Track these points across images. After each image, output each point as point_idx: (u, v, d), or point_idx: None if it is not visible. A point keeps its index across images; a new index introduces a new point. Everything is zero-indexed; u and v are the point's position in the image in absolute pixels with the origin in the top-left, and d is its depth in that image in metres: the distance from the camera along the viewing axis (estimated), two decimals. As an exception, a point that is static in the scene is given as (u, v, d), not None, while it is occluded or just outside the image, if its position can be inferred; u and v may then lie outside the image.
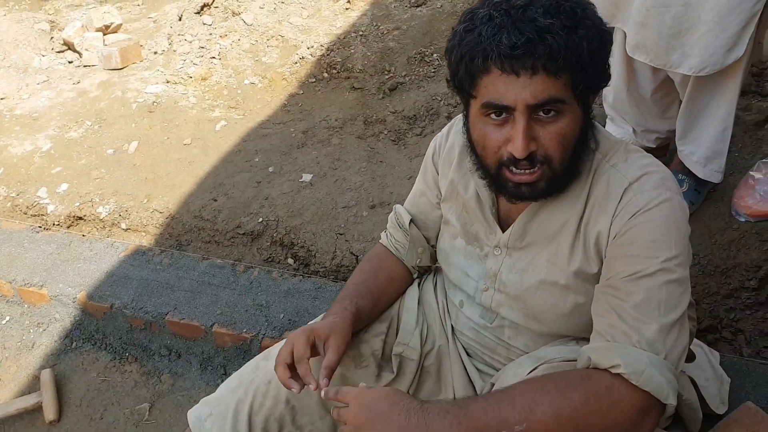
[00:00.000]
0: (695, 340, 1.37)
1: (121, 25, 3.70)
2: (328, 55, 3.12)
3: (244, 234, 2.24)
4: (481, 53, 0.90)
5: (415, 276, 1.37)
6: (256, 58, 3.23)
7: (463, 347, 1.27)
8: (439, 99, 2.68)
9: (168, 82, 3.12)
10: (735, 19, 1.47)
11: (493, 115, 0.95)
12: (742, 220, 1.79)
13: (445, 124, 1.31)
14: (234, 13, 3.51)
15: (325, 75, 3.06)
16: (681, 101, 1.80)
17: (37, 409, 1.92)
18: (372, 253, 1.36)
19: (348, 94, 2.91)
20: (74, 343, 2.12)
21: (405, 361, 1.25)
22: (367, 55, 3.05)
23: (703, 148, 1.76)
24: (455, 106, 2.63)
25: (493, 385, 1.11)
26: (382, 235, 1.37)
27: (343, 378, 1.22)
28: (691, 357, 1.20)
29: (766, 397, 1.42)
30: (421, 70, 2.91)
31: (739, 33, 1.48)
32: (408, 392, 1.24)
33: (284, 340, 1.12)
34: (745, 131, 2.11)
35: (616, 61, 1.87)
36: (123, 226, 2.40)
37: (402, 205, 1.35)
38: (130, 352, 2.05)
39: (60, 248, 2.29)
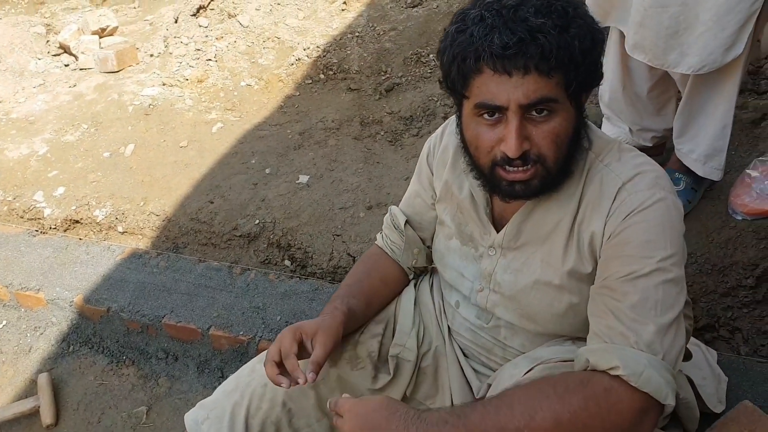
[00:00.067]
0: (692, 339, 1.37)
1: (117, 27, 3.69)
2: (324, 56, 3.12)
3: (240, 236, 2.24)
4: (473, 54, 0.90)
5: (411, 277, 1.36)
6: (253, 60, 3.23)
7: (460, 348, 1.26)
8: (436, 99, 2.68)
9: (164, 84, 3.12)
10: (734, 18, 1.46)
11: (485, 116, 0.95)
12: (739, 218, 1.79)
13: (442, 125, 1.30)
14: (230, 15, 3.50)
15: (322, 76, 3.05)
16: (677, 99, 1.80)
17: (35, 413, 1.92)
18: (367, 255, 1.36)
19: (344, 95, 2.91)
20: (71, 347, 2.11)
21: (402, 362, 1.25)
22: (363, 56, 3.05)
23: (703, 145, 1.76)
24: (451, 107, 2.63)
25: (489, 385, 1.10)
26: (378, 236, 1.37)
27: (340, 380, 1.22)
28: (688, 356, 1.20)
29: (764, 395, 1.42)
30: (417, 70, 2.91)
31: (737, 32, 1.48)
32: (405, 393, 1.24)
33: (278, 342, 1.12)
34: (742, 129, 2.11)
35: (611, 60, 1.87)
36: (119, 229, 2.40)
37: (398, 206, 1.35)
38: (127, 356, 2.05)
39: (57, 252, 2.29)
